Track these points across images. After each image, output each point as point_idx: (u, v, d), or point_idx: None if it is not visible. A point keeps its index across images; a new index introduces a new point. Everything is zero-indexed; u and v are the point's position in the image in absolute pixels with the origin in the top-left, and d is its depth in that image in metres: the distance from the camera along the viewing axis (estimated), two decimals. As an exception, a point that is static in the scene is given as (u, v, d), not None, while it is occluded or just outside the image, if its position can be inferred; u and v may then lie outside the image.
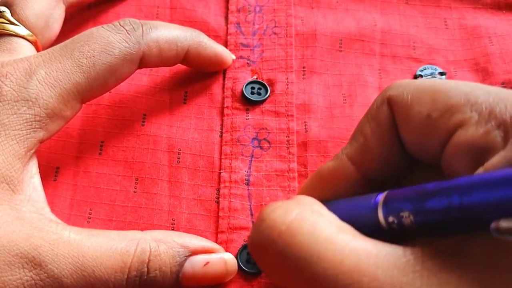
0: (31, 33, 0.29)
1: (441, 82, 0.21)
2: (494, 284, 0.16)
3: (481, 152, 0.18)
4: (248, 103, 0.33)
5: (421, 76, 0.34)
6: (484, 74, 0.34)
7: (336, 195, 0.23)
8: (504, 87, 0.33)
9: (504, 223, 0.15)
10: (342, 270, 0.17)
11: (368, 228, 0.20)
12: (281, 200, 0.21)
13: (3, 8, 0.29)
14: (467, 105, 0.19)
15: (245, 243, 0.28)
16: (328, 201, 0.23)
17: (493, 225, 0.16)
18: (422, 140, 0.21)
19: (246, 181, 0.30)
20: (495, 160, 0.18)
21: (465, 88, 0.20)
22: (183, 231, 0.28)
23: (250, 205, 0.29)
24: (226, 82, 0.34)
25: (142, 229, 0.28)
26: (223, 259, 0.26)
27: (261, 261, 0.21)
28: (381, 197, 0.20)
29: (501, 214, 0.16)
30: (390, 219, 0.19)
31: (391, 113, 0.22)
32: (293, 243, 0.18)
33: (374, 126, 0.22)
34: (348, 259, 0.17)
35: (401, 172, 0.23)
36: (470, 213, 0.17)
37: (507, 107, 0.18)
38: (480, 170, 0.18)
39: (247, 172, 0.30)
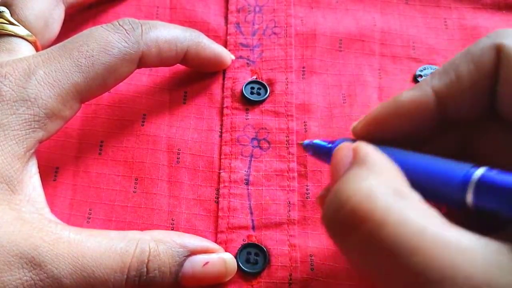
0: (30, 33, 0.29)
1: None
2: None
3: None
4: (247, 103, 0.33)
5: (420, 76, 0.34)
6: None
7: (407, 131, 0.22)
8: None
9: None
10: (435, 266, 0.16)
11: (449, 200, 0.19)
12: (355, 171, 0.19)
13: (2, 8, 0.29)
14: None
15: (244, 242, 0.28)
16: (398, 151, 0.21)
17: None
18: None
19: (246, 181, 0.30)
20: None
21: None
22: (183, 231, 0.28)
23: (250, 205, 0.29)
24: (225, 82, 0.34)
25: (141, 229, 0.28)
26: (222, 259, 0.26)
27: (340, 245, 0.19)
28: (475, 174, 0.18)
29: None
30: (481, 201, 0.18)
31: (496, 62, 0.20)
32: (380, 235, 0.17)
33: (473, 68, 0.21)
34: (441, 254, 0.16)
35: (481, 122, 0.22)
36: None
37: None
38: None
39: (247, 172, 0.30)
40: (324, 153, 0.24)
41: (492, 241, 0.16)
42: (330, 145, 0.24)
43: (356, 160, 0.20)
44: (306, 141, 0.26)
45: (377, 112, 0.22)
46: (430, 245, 0.16)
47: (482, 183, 0.18)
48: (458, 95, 0.21)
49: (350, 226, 0.18)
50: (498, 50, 0.20)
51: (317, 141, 0.25)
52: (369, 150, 0.20)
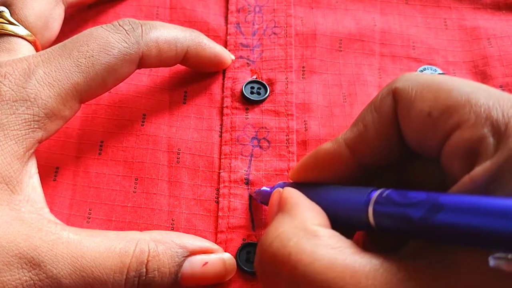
0: (30, 33, 0.29)
1: (446, 80, 0.21)
2: None
3: (474, 155, 0.18)
4: (247, 103, 0.33)
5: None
6: (483, 77, 0.34)
7: (329, 177, 0.24)
8: (502, 90, 0.33)
9: (498, 255, 0.16)
10: None
11: (359, 224, 0.21)
12: (276, 218, 0.22)
13: (2, 8, 0.29)
14: (466, 106, 0.19)
15: (244, 242, 0.28)
16: (320, 186, 0.23)
17: (491, 259, 0.16)
18: (422, 137, 0.21)
19: (246, 181, 0.30)
20: (480, 169, 0.18)
21: (468, 89, 0.20)
22: (183, 231, 0.28)
23: (250, 204, 0.29)
24: (225, 82, 0.34)
25: (141, 229, 0.28)
26: (222, 259, 0.26)
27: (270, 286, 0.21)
28: (373, 195, 0.20)
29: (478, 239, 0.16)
30: (379, 221, 0.20)
31: (394, 106, 0.22)
32: (297, 275, 0.19)
33: (376, 116, 0.22)
34: (349, 282, 0.18)
35: (398, 162, 0.23)
36: (453, 231, 0.17)
37: (504, 115, 0.18)
38: (466, 178, 0.18)
39: (247, 171, 0.30)
40: (267, 198, 0.27)
41: (392, 261, 0.18)
42: (271, 190, 0.27)
43: (280, 206, 0.23)
44: (256, 190, 0.29)
45: (304, 160, 0.25)
46: (339, 275, 0.18)
47: (377, 204, 0.20)
48: (368, 143, 0.23)
49: (273, 271, 0.20)
50: (394, 94, 0.22)
51: (263, 188, 0.28)
52: (290, 195, 0.23)
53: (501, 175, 0.17)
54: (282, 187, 0.25)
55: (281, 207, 0.22)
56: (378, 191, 0.20)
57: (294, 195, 0.23)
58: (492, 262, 0.16)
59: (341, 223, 0.22)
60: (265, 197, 0.28)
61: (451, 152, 0.19)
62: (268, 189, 0.28)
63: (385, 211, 0.19)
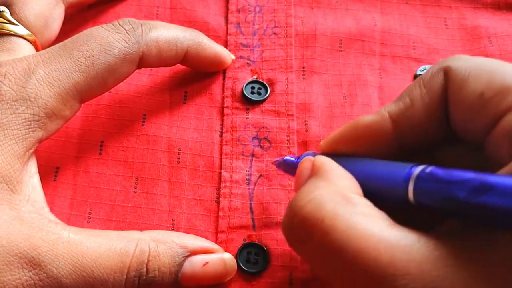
0: (30, 33, 0.29)
1: (499, 63, 0.20)
2: None
3: None
4: (248, 103, 0.33)
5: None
6: None
7: (366, 150, 0.23)
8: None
9: None
10: (377, 265, 0.17)
11: (395, 199, 0.20)
12: (310, 182, 0.21)
13: (2, 8, 0.29)
14: None
15: (244, 242, 0.28)
16: (355, 158, 0.23)
17: None
18: (470, 118, 0.20)
19: (247, 181, 0.30)
20: None
21: None
22: (183, 231, 0.28)
23: (251, 204, 0.29)
24: (226, 82, 0.34)
25: (142, 229, 0.28)
26: (222, 259, 0.26)
27: (298, 252, 0.21)
28: (415, 171, 0.19)
29: None
30: (420, 197, 0.19)
31: (445, 84, 0.21)
32: (329, 241, 0.18)
33: (425, 92, 0.22)
34: (383, 254, 0.17)
35: (439, 143, 0.23)
36: (500, 213, 0.16)
37: None
38: None
39: (248, 171, 0.30)
40: (293, 167, 0.26)
41: (429, 238, 0.18)
42: (297, 160, 0.26)
43: (313, 171, 0.22)
44: (278, 159, 0.28)
45: (340, 131, 0.24)
46: (373, 246, 0.18)
47: (419, 179, 0.19)
48: (413, 119, 0.22)
49: (303, 234, 0.19)
50: (446, 73, 0.21)
51: (287, 157, 0.27)
52: (324, 162, 0.22)
53: None
54: (313, 156, 0.24)
55: (315, 172, 0.22)
56: (420, 167, 0.19)
57: (330, 162, 0.22)
58: None
59: (375, 197, 0.21)
60: (291, 167, 0.27)
61: (500, 135, 0.19)
62: (293, 158, 0.27)
63: (427, 188, 0.19)
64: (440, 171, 0.19)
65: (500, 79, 0.20)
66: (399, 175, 0.20)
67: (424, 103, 0.22)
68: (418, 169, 0.19)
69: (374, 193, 0.21)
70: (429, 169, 0.19)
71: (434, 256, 0.17)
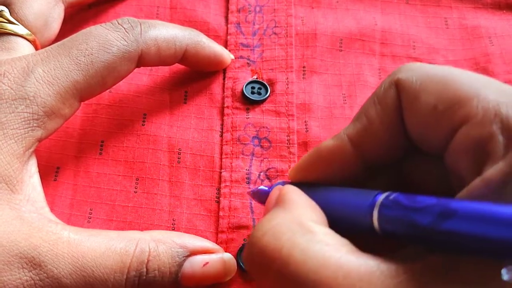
0: (30, 32, 0.29)
1: (452, 72, 0.20)
2: None
3: (483, 153, 0.18)
4: (248, 103, 0.32)
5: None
6: (485, 74, 0.34)
7: (331, 176, 0.23)
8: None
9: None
10: None
11: (361, 227, 0.20)
12: (272, 211, 0.21)
13: (2, 7, 0.29)
14: (474, 100, 0.18)
15: (245, 242, 0.28)
16: (322, 187, 0.23)
17: (504, 272, 0.15)
18: (427, 131, 0.20)
19: (247, 180, 0.30)
20: (493, 171, 0.17)
21: (476, 82, 0.19)
22: (184, 231, 0.28)
23: (251, 204, 0.29)
24: (226, 81, 0.33)
25: (142, 229, 0.28)
26: (222, 259, 0.26)
27: (258, 282, 0.20)
28: (379, 198, 0.19)
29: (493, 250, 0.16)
30: (384, 224, 0.19)
31: (398, 97, 0.21)
32: (287, 271, 0.18)
33: (380, 109, 0.21)
34: (341, 283, 0.17)
35: (401, 158, 0.22)
36: (463, 239, 0.16)
37: None
38: (478, 180, 0.17)
39: (248, 170, 0.30)
40: (266, 197, 0.26)
41: (390, 264, 0.17)
42: (269, 189, 0.26)
43: (277, 201, 0.22)
44: (253, 189, 0.28)
45: (305, 159, 0.24)
46: (331, 275, 0.17)
47: (383, 207, 0.19)
48: (372, 138, 0.22)
49: (263, 264, 0.19)
50: (397, 86, 0.21)
51: (261, 187, 0.27)
52: (288, 191, 0.22)
53: None
54: (282, 185, 0.24)
55: (278, 202, 0.22)
56: (384, 194, 0.19)
57: (294, 192, 0.22)
58: (506, 275, 0.15)
59: (340, 226, 0.21)
60: (262, 197, 0.27)
61: (457, 149, 0.19)
62: (266, 188, 0.27)
63: (391, 215, 0.19)
64: (403, 198, 0.18)
65: (452, 90, 0.19)
66: (364, 203, 0.20)
67: (381, 120, 0.21)
68: (382, 197, 0.19)
69: (341, 221, 0.21)
70: (393, 196, 0.19)
71: (394, 284, 0.17)
